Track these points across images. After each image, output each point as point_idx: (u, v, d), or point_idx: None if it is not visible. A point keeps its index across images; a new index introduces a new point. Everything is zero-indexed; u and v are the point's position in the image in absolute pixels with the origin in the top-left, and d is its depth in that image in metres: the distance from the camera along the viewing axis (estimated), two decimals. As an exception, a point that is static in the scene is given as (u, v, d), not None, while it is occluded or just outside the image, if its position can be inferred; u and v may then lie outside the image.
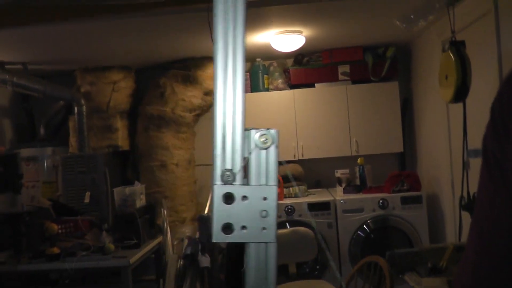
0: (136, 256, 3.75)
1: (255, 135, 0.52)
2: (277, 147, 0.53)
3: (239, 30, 0.53)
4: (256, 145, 0.53)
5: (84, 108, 5.08)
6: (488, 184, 0.69)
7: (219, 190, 0.48)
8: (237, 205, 0.49)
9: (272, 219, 0.49)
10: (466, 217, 3.13)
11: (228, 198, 0.49)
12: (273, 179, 0.52)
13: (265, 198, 0.49)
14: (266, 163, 0.54)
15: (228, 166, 0.49)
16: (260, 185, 0.49)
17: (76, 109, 5.08)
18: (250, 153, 0.53)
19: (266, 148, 0.53)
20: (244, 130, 0.52)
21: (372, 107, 5.32)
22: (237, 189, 0.49)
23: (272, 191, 0.49)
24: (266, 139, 0.53)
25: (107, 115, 5.26)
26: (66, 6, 3.30)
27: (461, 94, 2.95)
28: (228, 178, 0.49)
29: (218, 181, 0.49)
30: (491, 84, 3.35)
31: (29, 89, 5.04)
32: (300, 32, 4.56)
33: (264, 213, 0.50)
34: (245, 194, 0.49)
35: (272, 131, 0.54)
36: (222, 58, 0.53)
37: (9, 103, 5.69)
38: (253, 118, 5.23)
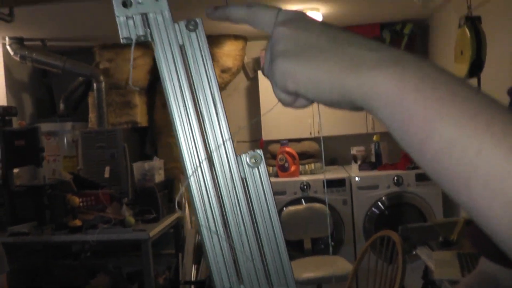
0: (155, 230, 3.84)
1: (246, 158, 0.58)
2: (264, 165, 0.58)
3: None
4: (249, 165, 0.58)
5: (103, 84, 5.16)
6: None
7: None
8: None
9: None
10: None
11: None
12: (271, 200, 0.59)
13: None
14: (260, 181, 0.59)
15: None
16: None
17: (95, 85, 5.16)
18: (246, 175, 0.58)
19: (256, 167, 0.58)
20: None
21: (389, 84, 5.31)
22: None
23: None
24: (255, 160, 0.58)
25: (125, 91, 5.34)
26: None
27: (475, 69, 2.96)
28: None
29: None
30: (506, 59, 3.35)
31: (49, 65, 5.13)
32: (317, 9, 4.57)
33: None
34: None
35: (258, 151, 0.59)
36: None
37: (29, 78, 5.78)
38: (270, 96, 5.23)
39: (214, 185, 0.59)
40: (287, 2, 4.32)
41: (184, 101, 0.59)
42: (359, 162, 5.17)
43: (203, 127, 0.59)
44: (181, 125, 0.59)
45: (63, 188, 4.08)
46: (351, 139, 5.52)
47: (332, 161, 5.75)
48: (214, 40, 5.29)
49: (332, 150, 5.76)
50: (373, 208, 4.87)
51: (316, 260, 4.20)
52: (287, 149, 5.13)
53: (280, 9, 0.55)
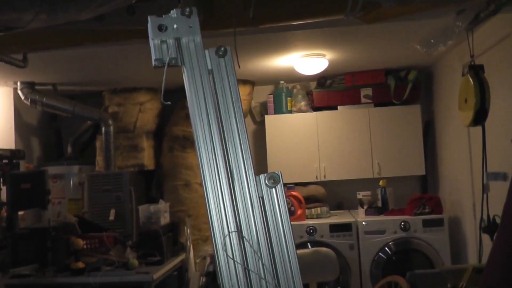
0: (159, 272, 3.80)
1: (264, 179, 0.59)
2: (282, 185, 0.58)
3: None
4: (267, 185, 0.58)
5: (111, 128, 5.21)
6: None
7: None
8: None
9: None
10: (486, 240, 3.13)
11: None
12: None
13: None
14: (277, 201, 0.59)
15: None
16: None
17: (103, 129, 5.21)
18: (263, 195, 0.59)
19: (274, 187, 0.58)
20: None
21: (394, 130, 5.35)
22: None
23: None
24: (273, 180, 0.58)
25: (133, 135, 5.39)
26: (96, 30, 3.42)
27: (480, 117, 2.98)
28: None
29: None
30: (510, 107, 3.37)
31: (58, 109, 5.20)
32: (323, 55, 4.64)
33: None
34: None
35: (276, 172, 0.59)
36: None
37: (38, 121, 5.85)
38: (276, 140, 5.29)
39: (232, 204, 0.59)
40: (294, 49, 4.39)
41: (210, 125, 0.61)
42: (365, 207, 5.15)
43: (225, 151, 0.60)
44: (205, 146, 0.60)
45: (67, 231, 4.07)
46: (357, 183, 5.51)
47: (338, 206, 5.72)
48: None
49: (338, 195, 5.74)
50: (380, 253, 4.82)
51: (321, 306, 4.13)
52: (293, 193, 5.13)
53: None
